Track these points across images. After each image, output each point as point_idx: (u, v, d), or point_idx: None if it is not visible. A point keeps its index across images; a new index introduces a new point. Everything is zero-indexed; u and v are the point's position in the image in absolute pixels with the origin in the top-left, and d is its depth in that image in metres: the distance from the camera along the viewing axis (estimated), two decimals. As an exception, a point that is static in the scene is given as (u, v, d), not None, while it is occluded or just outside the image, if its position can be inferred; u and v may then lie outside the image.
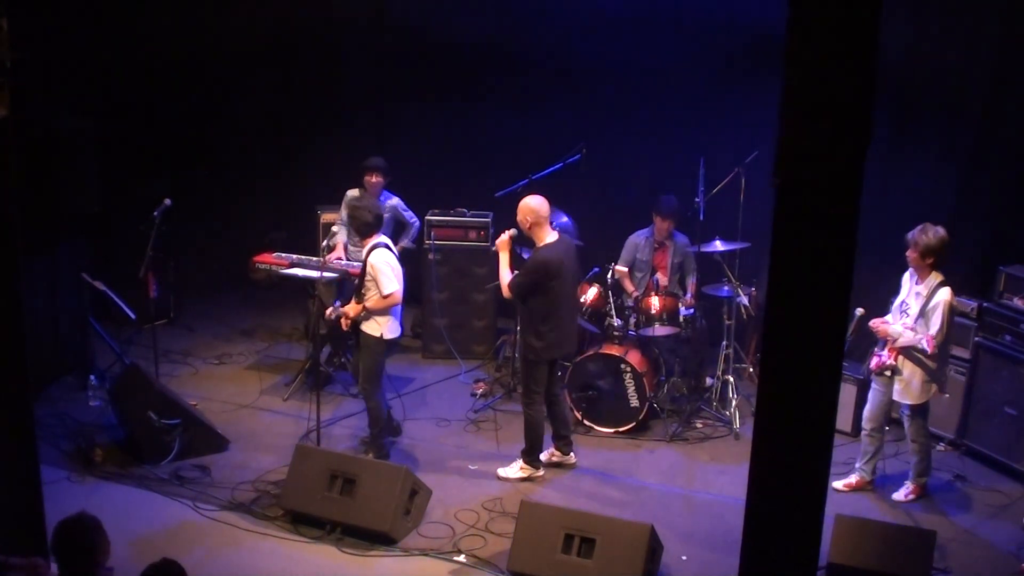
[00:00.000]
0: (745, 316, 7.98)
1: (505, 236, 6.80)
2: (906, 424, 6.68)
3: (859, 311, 6.66)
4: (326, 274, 7.76)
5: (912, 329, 6.47)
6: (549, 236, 6.71)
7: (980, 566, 6.05)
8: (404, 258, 7.17)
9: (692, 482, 7.05)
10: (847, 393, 7.32)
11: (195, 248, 9.65)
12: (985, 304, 7.28)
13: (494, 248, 6.89)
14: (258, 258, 8.23)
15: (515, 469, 6.94)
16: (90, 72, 8.56)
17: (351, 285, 8.02)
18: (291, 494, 6.33)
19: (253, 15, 9.40)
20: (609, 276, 7.95)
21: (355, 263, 8.18)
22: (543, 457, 7.03)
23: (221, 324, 9.68)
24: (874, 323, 6.61)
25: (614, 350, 7.66)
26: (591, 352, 7.72)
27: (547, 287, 6.60)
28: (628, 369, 7.56)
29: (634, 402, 7.60)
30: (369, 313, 6.78)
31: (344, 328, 7.06)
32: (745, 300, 7.84)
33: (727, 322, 7.92)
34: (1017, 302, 7.11)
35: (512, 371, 8.27)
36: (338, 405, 8.00)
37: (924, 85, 7.74)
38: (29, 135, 7.19)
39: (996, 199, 7.69)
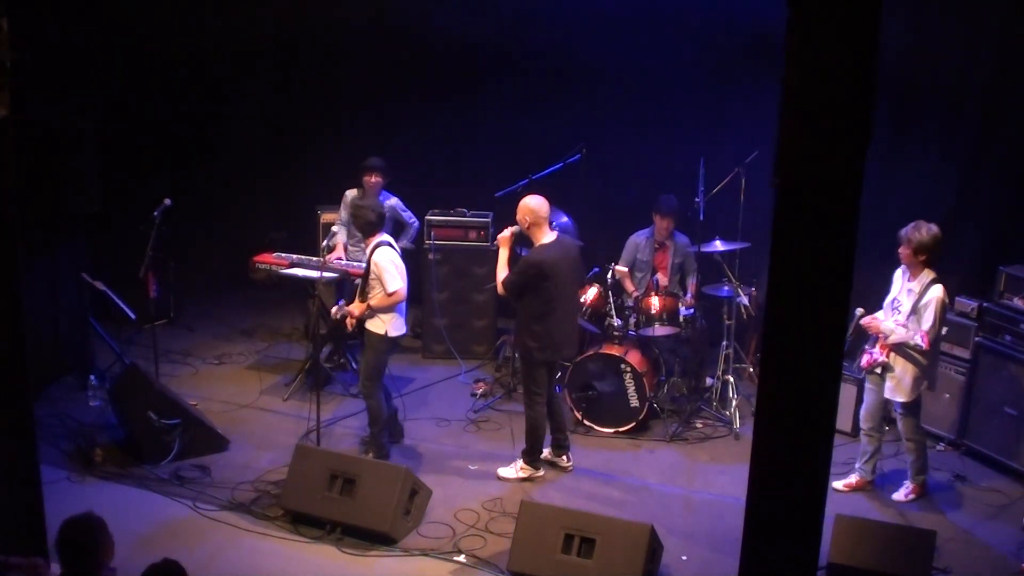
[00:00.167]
0: (745, 316, 7.98)
1: (507, 232, 6.81)
2: (900, 423, 6.69)
3: (859, 311, 6.66)
4: (326, 274, 7.76)
5: (904, 326, 6.47)
6: (547, 237, 6.71)
7: (980, 566, 6.04)
8: (403, 258, 7.16)
9: (692, 482, 7.05)
10: (847, 393, 7.32)
11: (195, 248, 9.64)
12: (985, 304, 7.28)
13: (495, 244, 6.90)
14: (258, 258, 8.23)
15: (515, 469, 6.94)
16: (90, 72, 8.56)
17: (351, 285, 8.04)
18: (291, 494, 6.33)
19: (253, 15, 9.40)
20: (609, 276, 7.95)
21: (354, 263, 8.20)
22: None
23: (221, 324, 9.68)
24: (866, 320, 6.60)
25: (614, 350, 7.66)
26: (591, 352, 7.72)
27: (539, 287, 6.60)
28: (628, 369, 7.56)
29: (634, 402, 7.60)
30: (373, 311, 6.79)
31: (349, 328, 7.08)
32: (745, 300, 7.84)
33: (727, 322, 7.92)
34: (1017, 302, 7.11)
35: (512, 371, 8.28)
36: (338, 405, 8.00)
37: (924, 85, 7.75)
38: (29, 135, 7.19)
39: (996, 199, 7.70)
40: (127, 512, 6.25)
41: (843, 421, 7.37)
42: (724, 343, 7.93)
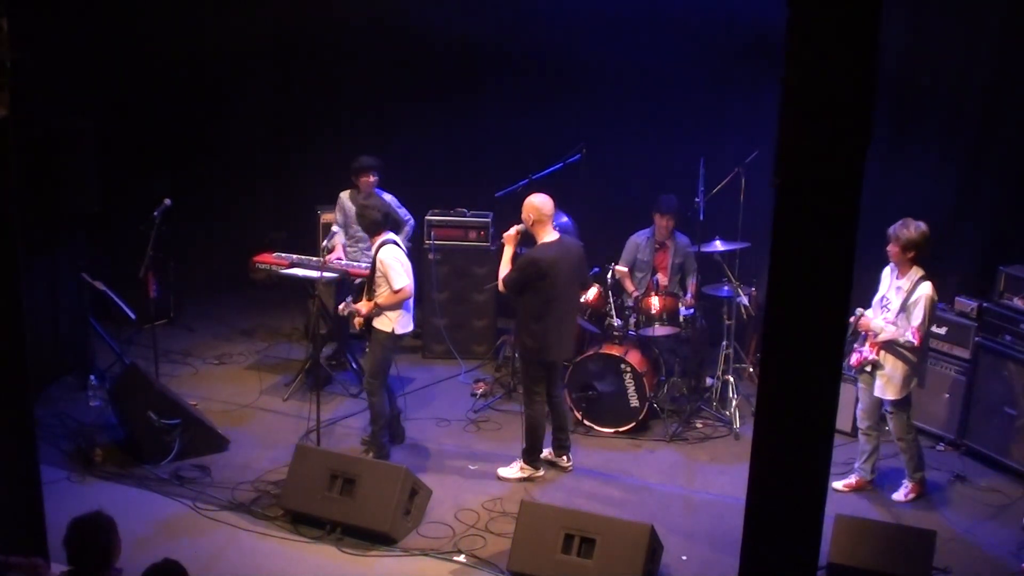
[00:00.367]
0: (745, 316, 7.98)
1: (512, 230, 6.82)
2: (890, 423, 6.68)
3: (859, 311, 6.65)
4: (326, 274, 7.76)
5: (893, 324, 6.48)
6: (548, 236, 6.72)
7: (980, 566, 6.05)
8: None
9: (692, 482, 7.05)
10: (847, 393, 7.30)
11: (195, 248, 9.65)
12: (985, 304, 7.28)
13: (501, 241, 6.91)
14: (258, 258, 8.23)
15: (515, 469, 6.94)
16: (90, 72, 8.55)
17: (351, 285, 8.05)
18: (291, 494, 6.33)
19: (253, 15, 9.39)
20: (609, 276, 7.96)
21: (354, 263, 8.21)
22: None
23: (221, 324, 9.69)
24: (855, 318, 6.59)
25: (614, 350, 7.66)
26: (591, 352, 7.72)
27: (537, 286, 6.61)
28: (628, 369, 7.56)
29: (634, 402, 7.60)
30: (381, 309, 6.81)
31: (357, 327, 7.09)
32: (745, 300, 7.84)
33: (727, 322, 7.92)
34: (1017, 302, 7.11)
35: (512, 371, 8.28)
36: (338, 405, 8.00)
37: (924, 85, 7.75)
38: (29, 135, 7.19)
39: (996, 199, 7.69)
40: (127, 512, 6.21)
41: (843, 421, 7.36)
42: (724, 343, 7.93)
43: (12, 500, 4.85)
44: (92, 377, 7.92)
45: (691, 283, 8.20)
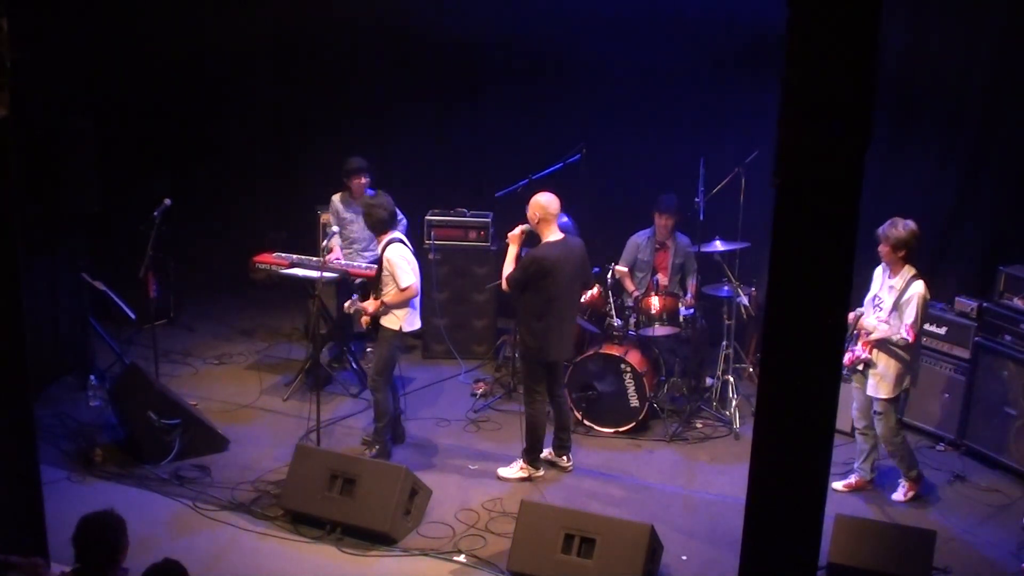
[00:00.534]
0: (745, 316, 7.98)
1: (517, 230, 6.83)
2: (877, 426, 6.66)
3: (860, 311, 6.65)
4: (326, 274, 7.76)
5: (886, 323, 6.48)
6: (552, 235, 6.72)
7: (980, 566, 6.05)
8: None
9: (692, 482, 7.05)
10: (847, 393, 7.29)
11: (195, 248, 9.65)
12: (985, 304, 7.28)
13: (506, 240, 6.92)
14: (258, 258, 8.23)
15: (515, 469, 6.94)
16: (90, 72, 8.55)
17: (351, 284, 8.05)
18: (291, 494, 6.33)
19: (253, 15, 9.40)
20: (609, 276, 7.96)
21: (353, 263, 8.21)
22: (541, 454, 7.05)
23: (221, 324, 9.69)
24: (850, 317, 6.59)
25: (614, 350, 7.66)
26: (591, 352, 7.72)
27: (539, 285, 6.61)
28: (628, 369, 7.56)
29: (634, 402, 7.60)
30: (387, 307, 6.83)
31: (364, 326, 7.11)
32: (745, 300, 7.84)
33: (727, 322, 7.92)
34: (1017, 302, 7.11)
35: (512, 371, 8.28)
36: (338, 405, 8.00)
37: (924, 85, 7.74)
38: (29, 135, 7.19)
39: (996, 199, 7.69)
40: (127, 512, 6.11)
41: (843, 421, 7.34)
42: (724, 343, 7.93)
43: (12, 500, 4.85)
44: (92, 377, 7.92)
45: (691, 283, 8.20)
